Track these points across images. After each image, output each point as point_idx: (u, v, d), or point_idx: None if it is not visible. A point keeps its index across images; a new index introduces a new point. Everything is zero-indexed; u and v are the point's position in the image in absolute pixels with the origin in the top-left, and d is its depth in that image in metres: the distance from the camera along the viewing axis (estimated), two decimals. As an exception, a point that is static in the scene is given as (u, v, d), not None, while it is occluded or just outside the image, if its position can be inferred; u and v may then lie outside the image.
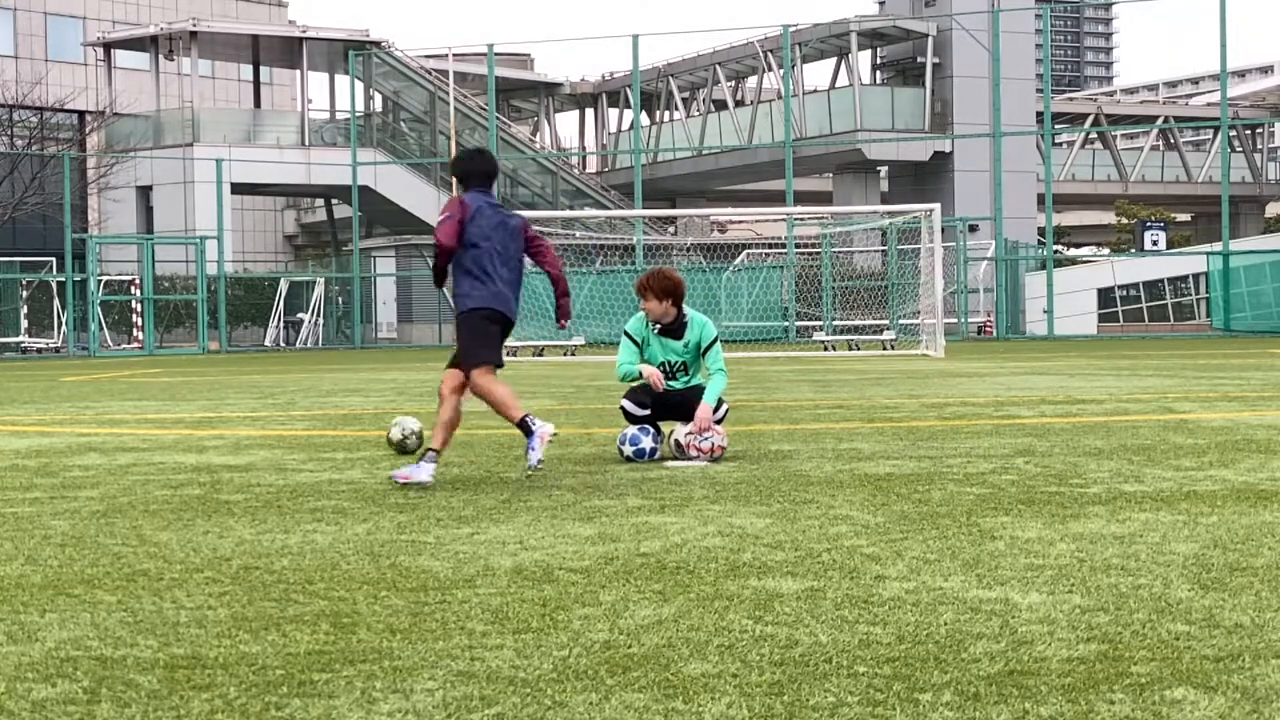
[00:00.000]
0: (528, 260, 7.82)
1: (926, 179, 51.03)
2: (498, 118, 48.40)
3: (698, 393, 8.41)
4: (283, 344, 43.70)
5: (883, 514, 5.98)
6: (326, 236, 62.72)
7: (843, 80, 54.56)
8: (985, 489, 6.73)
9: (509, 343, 30.01)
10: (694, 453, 8.11)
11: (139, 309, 40.17)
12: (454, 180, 7.73)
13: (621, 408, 8.46)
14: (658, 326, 8.44)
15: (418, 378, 20.63)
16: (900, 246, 37.01)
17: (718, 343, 8.52)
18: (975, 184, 48.49)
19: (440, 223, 7.41)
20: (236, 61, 59.22)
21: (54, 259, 43.29)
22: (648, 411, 8.41)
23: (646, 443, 8.22)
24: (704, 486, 7.01)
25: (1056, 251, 46.64)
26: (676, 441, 8.25)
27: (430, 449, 7.27)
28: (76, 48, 60.35)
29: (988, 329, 41.93)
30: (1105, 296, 47.73)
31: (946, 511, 6.02)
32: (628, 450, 8.22)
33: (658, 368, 8.49)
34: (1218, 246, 41.58)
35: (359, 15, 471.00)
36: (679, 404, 8.40)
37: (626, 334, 8.56)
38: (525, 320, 33.82)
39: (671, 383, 8.49)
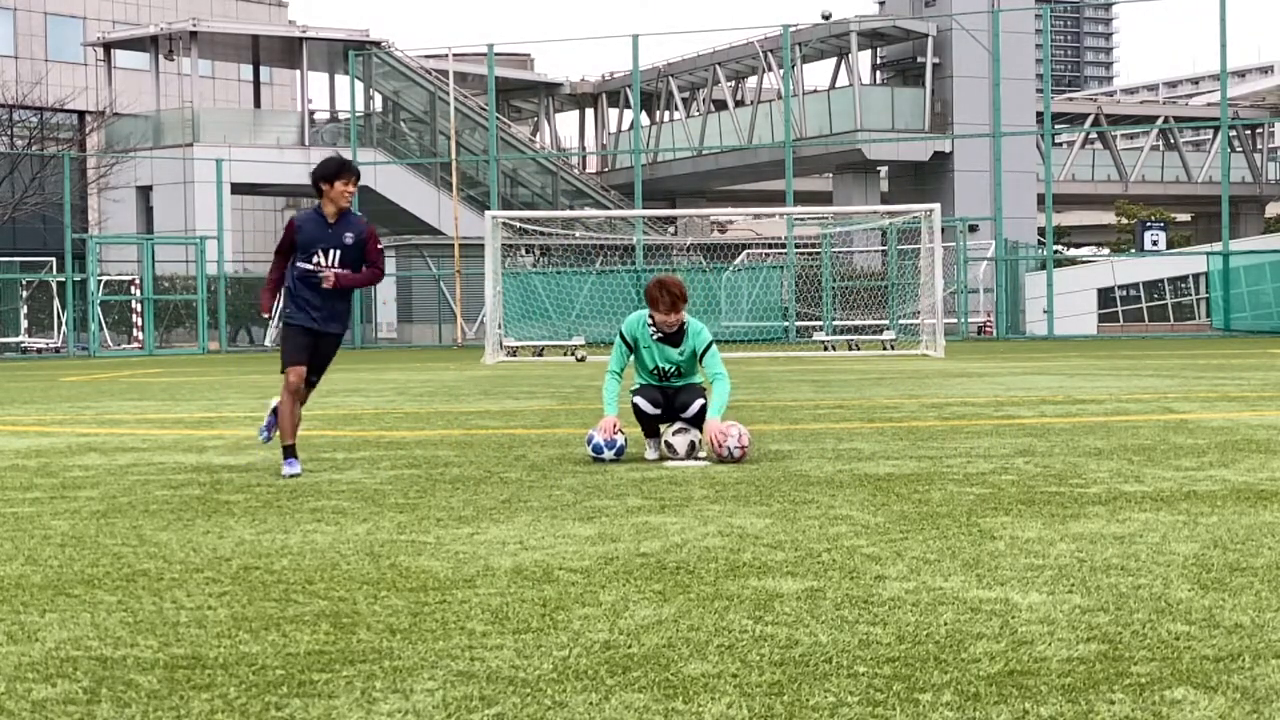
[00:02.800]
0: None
1: (926, 179, 51.04)
2: (498, 118, 48.40)
3: (692, 391, 8.41)
4: (283, 344, 43.64)
5: (883, 514, 5.98)
6: (327, 236, 62.65)
7: (843, 80, 54.57)
8: (985, 489, 6.74)
9: (510, 342, 30.09)
10: (735, 452, 8.12)
11: (139, 309, 40.18)
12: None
13: (634, 405, 8.43)
14: (659, 334, 8.42)
15: (418, 378, 20.63)
16: (900, 246, 37.01)
17: (714, 346, 8.53)
18: (975, 184, 48.49)
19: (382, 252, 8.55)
20: (236, 61, 59.22)
21: (54, 259, 43.28)
22: (659, 411, 8.41)
23: (607, 455, 8.24)
24: (704, 486, 7.01)
25: (1056, 251, 46.65)
26: (668, 443, 8.27)
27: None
28: (76, 48, 60.34)
29: (988, 329, 41.93)
30: (1105, 296, 47.74)
31: (946, 511, 6.02)
32: (589, 453, 8.28)
33: (651, 371, 8.48)
34: (1218, 246, 41.59)
35: (359, 15, 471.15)
36: (671, 403, 8.43)
37: (621, 335, 8.54)
38: (525, 320, 33.87)
39: (666, 383, 8.50)
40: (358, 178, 8.37)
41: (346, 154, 46.88)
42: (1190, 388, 14.64)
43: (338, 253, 8.32)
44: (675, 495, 6.71)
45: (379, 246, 8.40)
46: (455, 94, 46.33)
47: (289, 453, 8.01)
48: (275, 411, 8.42)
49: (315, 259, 8.26)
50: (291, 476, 7.78)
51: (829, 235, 39.72)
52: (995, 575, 4.61)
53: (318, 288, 8.23)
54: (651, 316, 8.38)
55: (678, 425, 8.31)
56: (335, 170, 8.31)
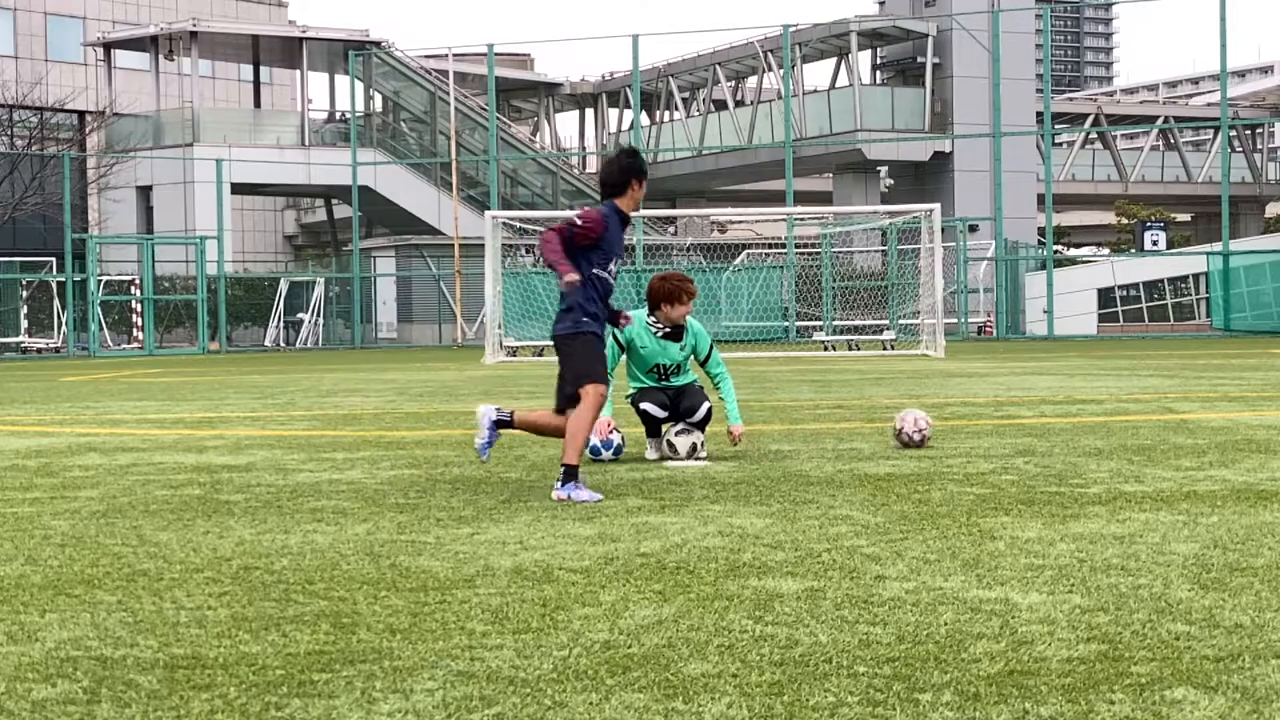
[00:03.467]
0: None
1: (926, 179, 51.02)
2: (498, 118, 48.40)
3: (696, 394, 8.41)
4: (283, 344, 43.70)
5: (883, 514, 5.98)
6: (326, 236, 62.73)
7: (843, 80, 54.56)
8: (985, 489, 6.74)
9: (510, 342, 30.09)
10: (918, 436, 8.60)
11: (139, 309, 40.17)
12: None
13: (643, 411, 8.40)
14: (663, 331, 8.41)
15: (418, 378, 20.63)
16: (900, 246, 37.00)
17: (715, 348, 8.59)
18: (975, 184, 48.48)
19: None
20: (236, 61, 59.21)
21: (54, 259, 43.27)
22: (666, 414, 8.39)
23: (605, 455, 8.23)
24: (704, 486, 7.01)
25: (1056, 251, 46.64)
26: (670, 442, 8.27)
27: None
28: (76, 48, 60.34)
29: (988, 329, 41.92)
30: (1105, 296, 47.71)
31: (946, 511, 6.02)
32: (587, 454, 8.26)
33: (650, 370, 8.47)
34: (1218, 246, 41.58)
35: (359, 15, 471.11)
36: (675, 404, 8.43)
37: (615, 338, 8.47)
38: (525, 320, 33.87)
39: (666, 382, 8.51)
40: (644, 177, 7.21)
41: (346, 154, 46.91)
42: (1190, 388, 14.64)
43: (618, 263, 7.12)
44: (675, 495, 6.71)
45: None
46: (455, 94, 46.32)
47: (572, 475, 6.67)
48: (499, 424, 7.16)
49: (610, 268, 7.02)
50: (581, 501, 6.53)
51: (829, 235, 39.71)
52: (995, 575, 4.61)
53: (603, 301, 7.03)
54: (654, 314, 8.38)
55: (681, 426, 8.31)
56: (644, 167, 7.15)
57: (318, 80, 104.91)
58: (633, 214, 7.22)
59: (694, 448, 8.21)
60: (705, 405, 8.36)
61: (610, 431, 8.23)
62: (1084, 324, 43.98)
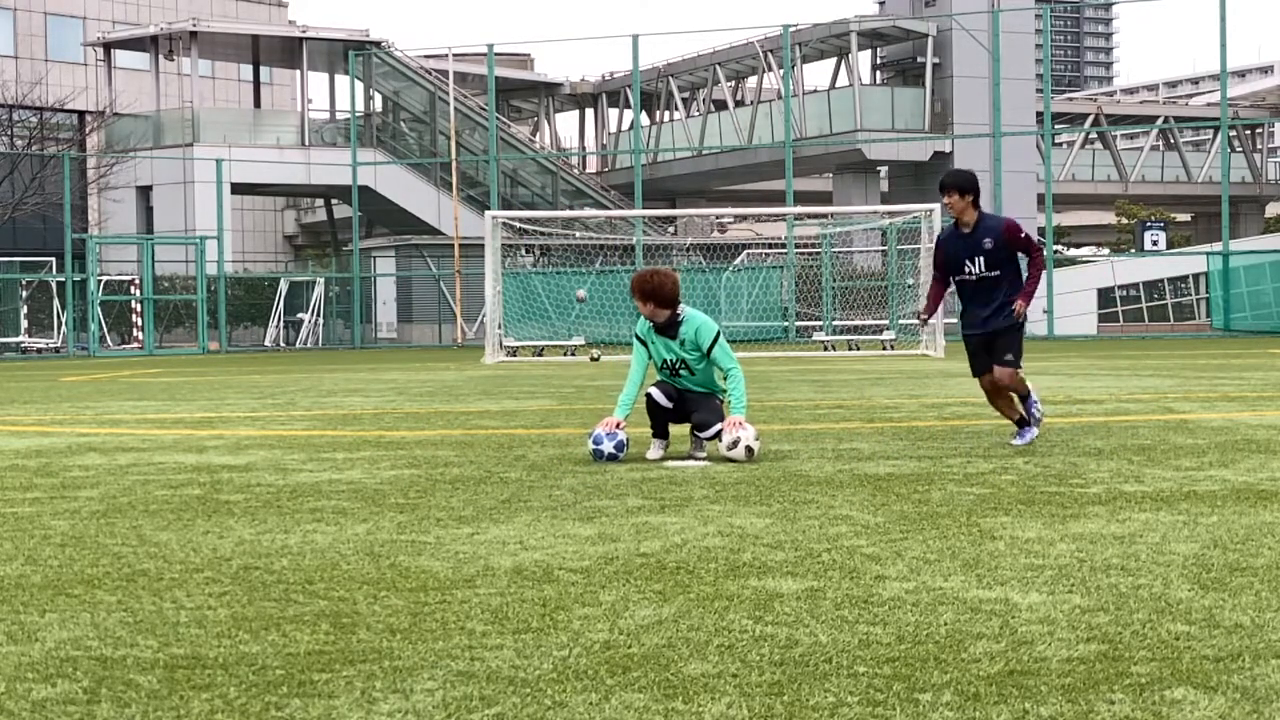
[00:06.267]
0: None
1: (926, 179, 51.00)
2: (498, 118, 48.38)
3: (709, 407, 8.38)
4: (283, 344, 43.70)
5: (883, 514, 5.98)
6: (326, 236, 62.72)
7: (843, 80, 54.55)
8: (985, 489, 6.74)
9: (510, 342, 30.06)
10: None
11: (139, 309, 40.17)
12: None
13: (648, 395, 8.41)
14: (654, 325, 8.49)
15: (418, 378, 20.63)
16: (900, 246, 37.00)
17: (721, 339, 8.42)
18: (975, 184, 48.36)
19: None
20: (236, 61, 59.20)
21: (54, 259, 43.26)
22: (672, 405, 8.39)
23: (606, 446, 8.17)
24: (704, 486, 7.01)
25: (1056, 251, 46.62)
26: (696, 437, 8.30)
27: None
28: (76, 48, 60.34)
29: (988, 329, 41.87)
30: (1105, 296, 47.71)
31: (946, 511, 6.02)
32: (590, 447, 8.25)
33: (661, 365, 8.51)
34: (1218, 246, 41.58)
35: (359, 15, 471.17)
36: (685, 404, 8.44)
37: (636, 335, 8.68)
38: (525, 320, 33.86)
39: (676, 379, 8.50)
40: (945, 190, 8.87)
41: (346, 154, 46.89)
42: (1190, 388, 14.64)
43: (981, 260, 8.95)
44: (675, 495, 6.71)
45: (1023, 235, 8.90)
46: (455, 94, 46.31)
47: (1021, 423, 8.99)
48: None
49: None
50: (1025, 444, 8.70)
51: (829, 235, 39.70)
52: (995, 575, 4.61)
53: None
54: None
55: (753, 431, 8.18)
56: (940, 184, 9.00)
57: (318, 80, 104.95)
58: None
59: (736, 443, 8.02)
60: (716, 426, 8.23)
61: (616, 427, 8.23)
62: (1084, 324, 43.99)
